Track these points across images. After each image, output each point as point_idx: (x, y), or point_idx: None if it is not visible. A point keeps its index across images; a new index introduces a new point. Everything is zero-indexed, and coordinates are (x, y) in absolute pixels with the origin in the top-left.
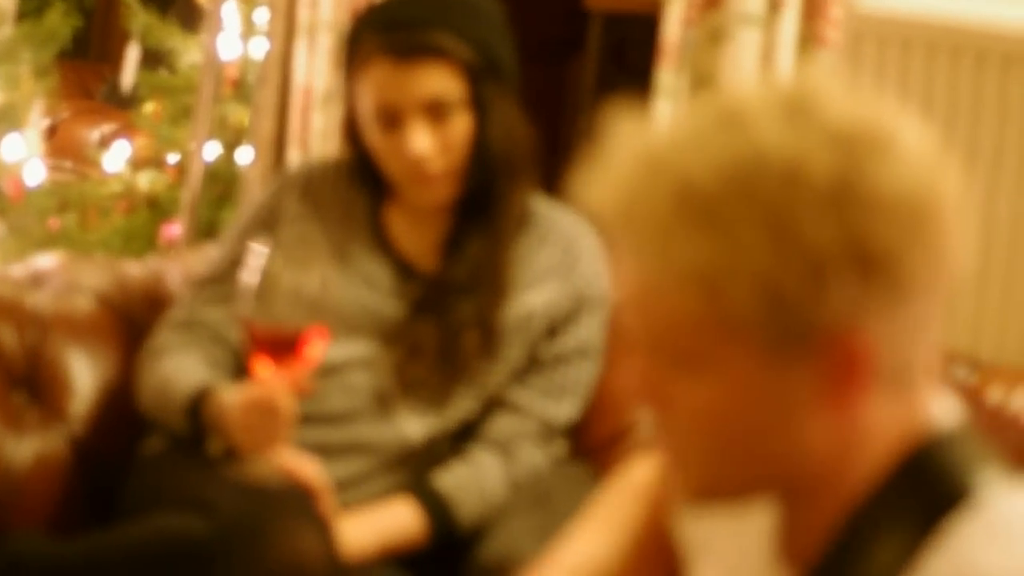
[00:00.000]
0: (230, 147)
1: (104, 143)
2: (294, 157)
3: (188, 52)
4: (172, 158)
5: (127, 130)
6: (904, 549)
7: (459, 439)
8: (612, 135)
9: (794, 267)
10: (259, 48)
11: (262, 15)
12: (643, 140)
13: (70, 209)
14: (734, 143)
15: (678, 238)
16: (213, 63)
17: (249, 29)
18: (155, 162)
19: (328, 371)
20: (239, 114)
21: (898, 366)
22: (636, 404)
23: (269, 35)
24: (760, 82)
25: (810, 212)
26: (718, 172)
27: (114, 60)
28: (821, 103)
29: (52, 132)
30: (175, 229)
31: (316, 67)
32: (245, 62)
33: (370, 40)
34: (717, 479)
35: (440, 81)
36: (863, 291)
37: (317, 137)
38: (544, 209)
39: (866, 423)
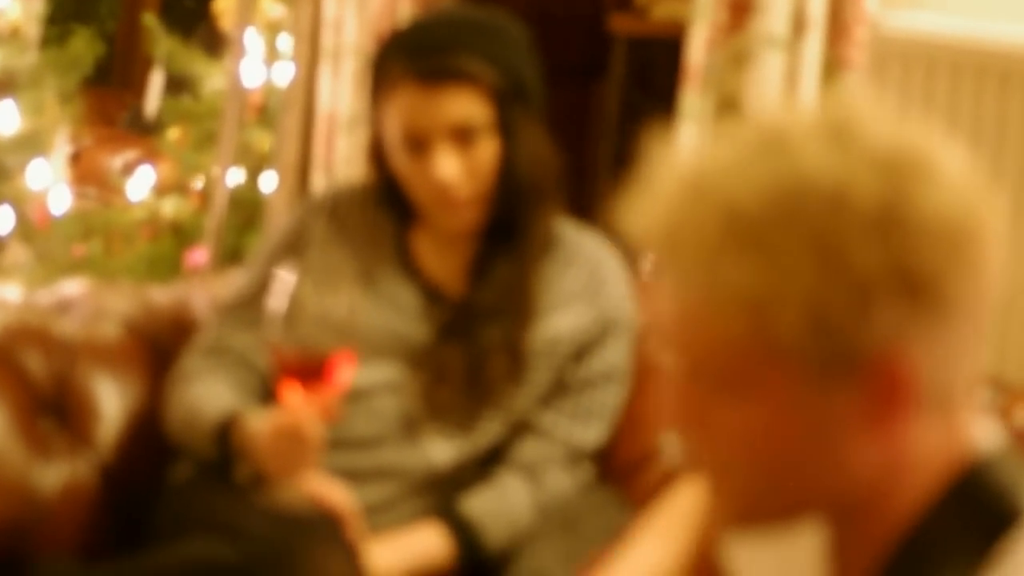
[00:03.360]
0: (254, 173)
1: (128, 169)
2: (318, 182)
3: (211, 78)
4: (196, 184)
5: (151, 156)
6: (965, 573)
7: (486, 464)
8: (654, 160)
9: (840, 291)
10: (283, 73)
11: (285, 40)
12: (687, 165)
13: (94, 236)
14: (779, 168)
15: (725, 262)
16: (237, 89)
17: (273, 54)
18: (179, 188)
19: (355, 396)
20: (263, 140)
21: (941, 389)
22: (671, 429)
23: (293, 60)
24: (800, 105)
25: (856, 237)
26: (764, 197)
27: (137, 86)
28: (863, 127)
29: (76, 159)
30: (199, 255)
31: (340, 92)
32: (269, 87)
33: (396, 65)
34: (759, 504)
35: (467, 106)
36: (908, 315)
37: (341, 162)
38: (570, 233)
39: (911, 446)
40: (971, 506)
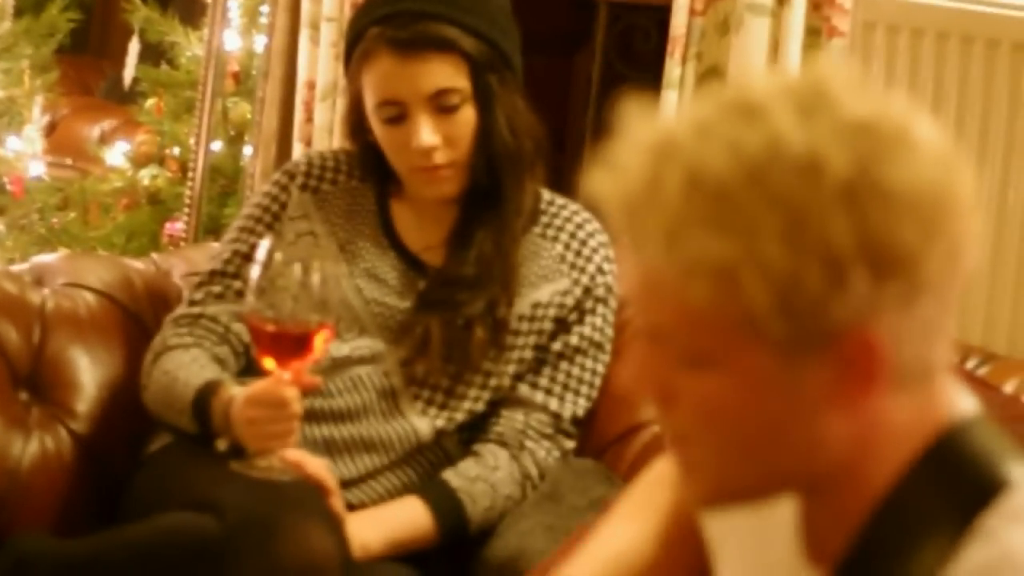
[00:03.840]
0: (233, 142)
1: (105, 139)
2: (297, 151)
3: (190, 46)
4: (174, 154)
5: (128, 126)
6: (943, 541)
7: (468, 436)
8: (622, 126)
9: (809, 263)
10: (262, 42)
11: (265, 8)
12: (653, 130)
13: (71, 206)
14: (749, 134)
15: (690, 230)
16: (214, 58)
17: (251, 23)
18: (157, 158)
19: (335, 368)
20: (242, 109)
21: (915, 362)
22: (638, 399)
23: (271, 29)
24: (774, 73)
25: (826, 208)
26: (732, 163)
27: (115, 55)
28: (837, 96)
29: (52, 128)
30: (178, 225)
31: (320, 61)
32: (248, 56)
33: (373, 33)
34: (729, 478)
35: (445, 74)
36: (879, 288)
37: (321, 132)
38: (552, 202)
39: (885, 419)
40: (945, 474)
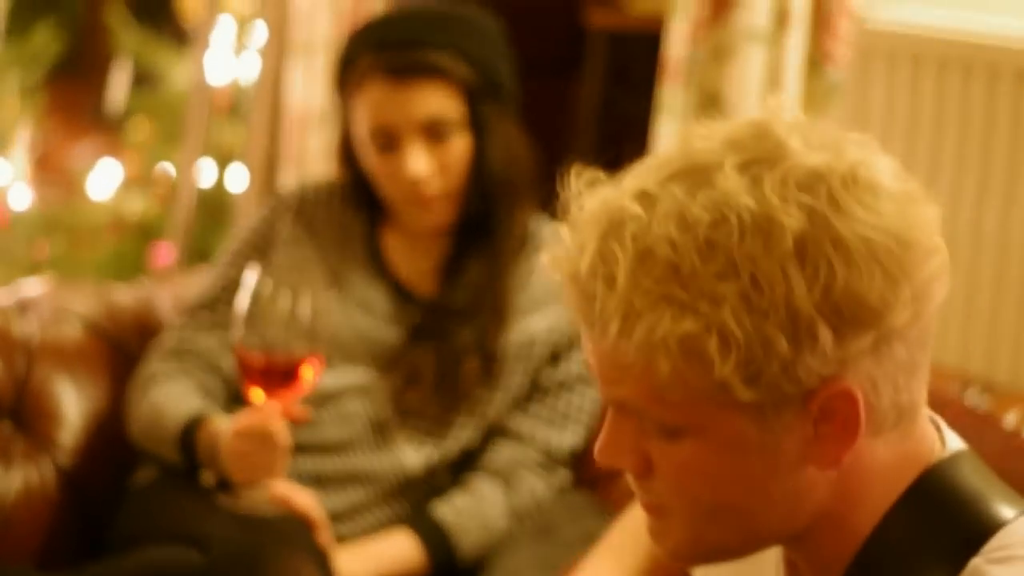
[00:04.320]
0: (221, 168)
1: (92, 164)
2: (287, 179)
3: (181, 70)
4: (162, 179)
5: (116, 151)
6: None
7: (459, 469)
8: (571, 203)
9: (772, 326)
10: (252, 67)
11: (256, 33)
12: (601, 205)
13: (57, 233)
14: (696, 202)
15: (646, 309)
16: (202, 84)
17: (242, 48)
18: (145, 183)
19: (324, 399)
20: (230, 134)
21: (893, 406)
22: (612, 470)
23: (263, 54)
24: (717, 126)
25: (782, 268)
26: (682, 235)
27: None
28: (784, 146)
29: (38, 154)
30: (165, 253)
31: (311, 87)
32: (237, 82)
33: (365, 59)
34: (709, 542)
35: (437, 101)
36: (847, 342)
37: (315, 158)
38: (546, 232)
39: (865, 465)
40: (927, 514)
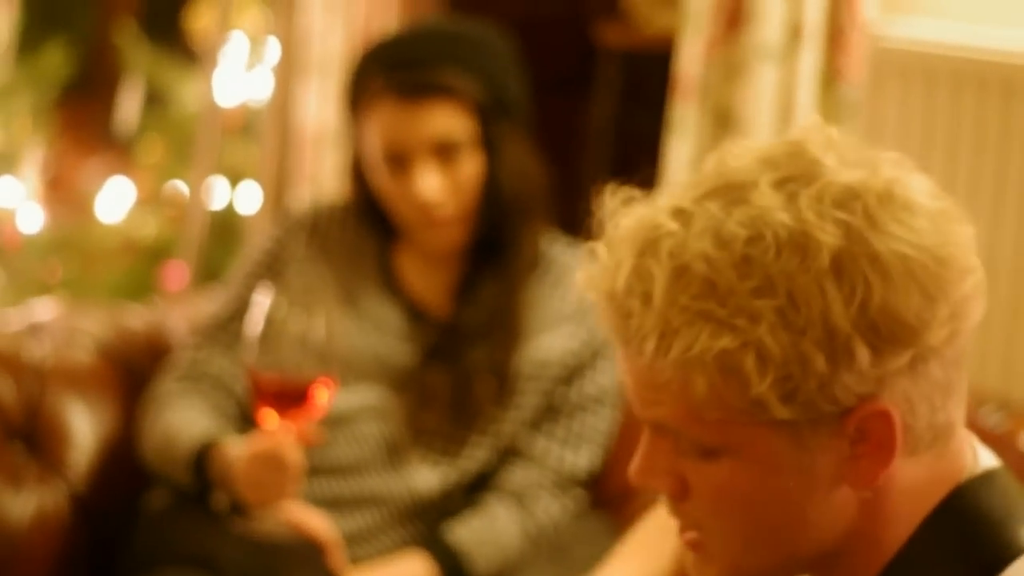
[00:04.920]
0: (232, 188)
1: (103, 184)
2: (299, 197)
3: (192, 89)
4: (174, 199)
5: (128, 170)
6: None
7: (473, 491)
8: (606, 220)
9: (809, 344)
10: (264, 86)
11: (267, 51)
12: (636, 223)
13: (69, 254)
14: (732, 219)
15: (683, 327)
16: (214, 103)
17: (254, 66)
18: (156, 203)
19: (337, 421)
20: (242, 154)
21: (929, 427)
22: (648, 491)
23: (274, 73)
24: (752, 144)
25: (820, 285)
26: (718, 252)
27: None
28: (820, 163)
29: (50, 174)
30: (176, 273)
31: (323, 105)
32: (249, 101)
33: (376, 79)
34: (747, 564)
35: (449, 121)
36: (884, 360)
37: (327, 177)
38: (559, 251)
39: (898, 485)
40: (953, 535)
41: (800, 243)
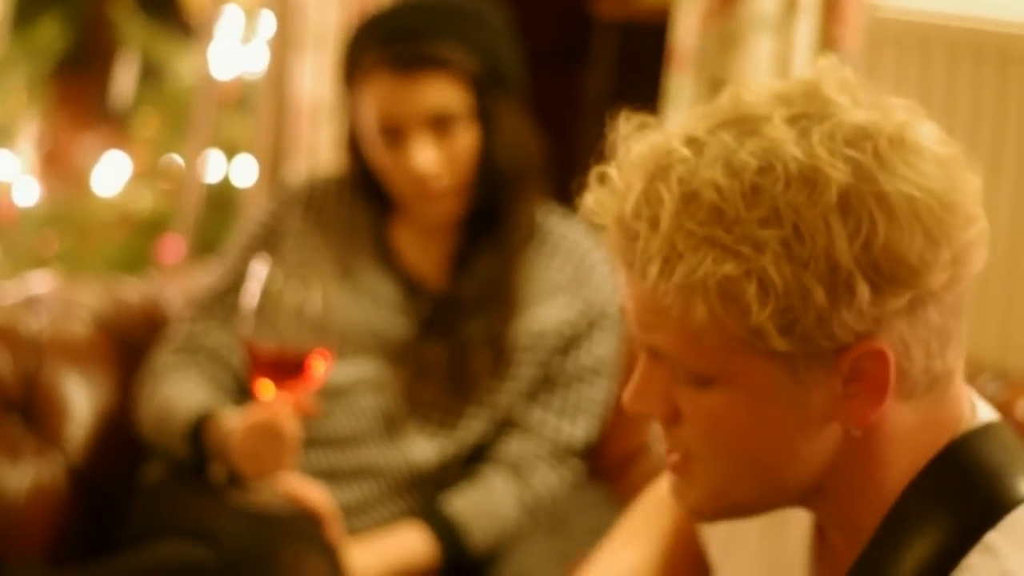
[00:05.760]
0: (228, 161)
1: (99, 158)
2: (295, 171)
3: (187, 63)
4: (170, 173)
5: (123, 144)
6: (941, 550)
7: (470, 462)
8: (617, 144)
9: (811, 277)
10: (259, 59)
11: (263, 25)
12: (648, 147)
13: (65, 227)
14: (744, 149)
15: (688, 251)
16: (209, 76)
17: (249, 39)
18: (152, 177)
19: (334, 393)
20: (237, 127)
21: (925, 371)
22: (640, 416)
23: (270, 46)
24: (768, 81)
25: (826, 220)
26: (728, 181)
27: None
28: (834, 102)
29: (46, 148)
30: (172, 247)
31: (319, 78)
32: (244, 74)
33: (370, 52)
34: (732, 492)
35: (444, 93)
36: (883, 300)
37: (323, 150)
38: (554, 222)
39: (894, 428)
40: (949, 485)
41: (809, 177)
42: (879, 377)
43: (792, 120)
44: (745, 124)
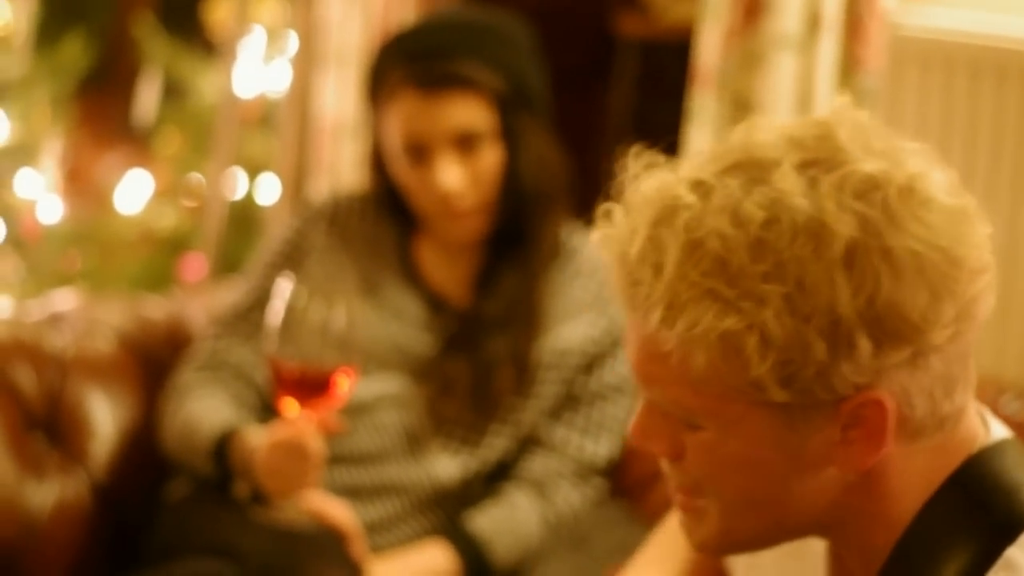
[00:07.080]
0: (251, 179)
1: (122, 176)
2: (318, 189)
3: (210, 81)
4: (193, 191)
5: (146, 162)
6: (962, 567)
7: (493, 479)
8: (626, 183)
9: (812, 331)
10: (282, 78)
11: (286, 43)
12: (656, 190)
13: (89, 245)
14: (752, 199)
15: (690, 301)
16: (232, 94)
17: (272, 58)
18: (175, 195)
19: (358, 410)
20: (260, 145)
21: (931, 416)
22: (646, 453)
23: (293, 64)
24: (780, 123)
25: (830, 274)
26: (734, 230)
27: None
28: (845, 149)
29: (69, 166)
30: (195, 265)
31: (342, 96)
32: (267, 92)
33: (396, 70)
34: (734, 529)
35: (469, 112)
36: (881, 353)
37: (347, 168)
38: (578, 241)
39: (900, 467)
40: (965, 502)
41: (815, 231)
42: (878, 424)
43: (802, 167)
44: (754, 170)
